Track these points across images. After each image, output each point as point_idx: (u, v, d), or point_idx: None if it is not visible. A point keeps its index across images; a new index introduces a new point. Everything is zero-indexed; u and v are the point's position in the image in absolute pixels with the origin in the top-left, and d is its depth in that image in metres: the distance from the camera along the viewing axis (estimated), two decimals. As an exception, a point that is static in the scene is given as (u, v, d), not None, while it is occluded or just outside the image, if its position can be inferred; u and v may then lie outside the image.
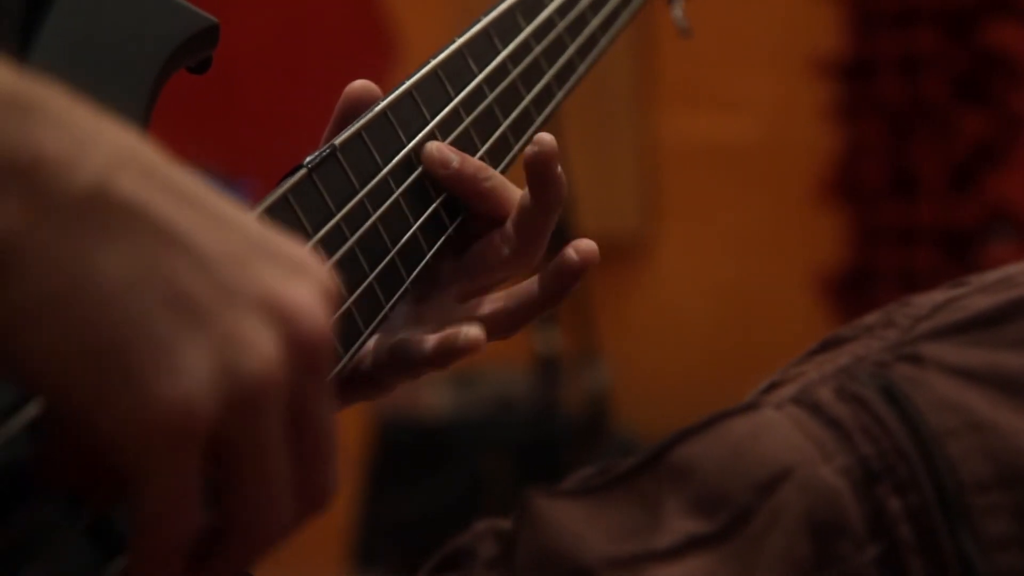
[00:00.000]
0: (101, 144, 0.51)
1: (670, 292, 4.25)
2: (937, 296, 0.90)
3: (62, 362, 0.49)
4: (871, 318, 0.93)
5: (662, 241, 4.31)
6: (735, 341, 4.16)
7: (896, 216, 3.96)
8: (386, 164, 0.84)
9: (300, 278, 0.55)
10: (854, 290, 4.02)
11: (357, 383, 0.88)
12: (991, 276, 0.91)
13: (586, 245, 0.89)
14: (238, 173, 4.10)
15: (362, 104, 0.86)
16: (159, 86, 0.77)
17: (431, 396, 3.62)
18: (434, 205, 0.87)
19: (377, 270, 0.82)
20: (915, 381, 0.84)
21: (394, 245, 0.83)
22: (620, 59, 3.80)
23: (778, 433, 0.83)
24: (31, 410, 0.55)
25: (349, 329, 0.80)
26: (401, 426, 3.50)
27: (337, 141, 0.81)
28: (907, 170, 3.94)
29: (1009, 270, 0.91)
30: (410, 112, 0.86)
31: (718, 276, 4.20)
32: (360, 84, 0.87)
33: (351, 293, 0.80)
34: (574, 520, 0.84)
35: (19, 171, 0.48)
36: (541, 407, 3.30)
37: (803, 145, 4.08)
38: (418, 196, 0.86)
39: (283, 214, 0.75)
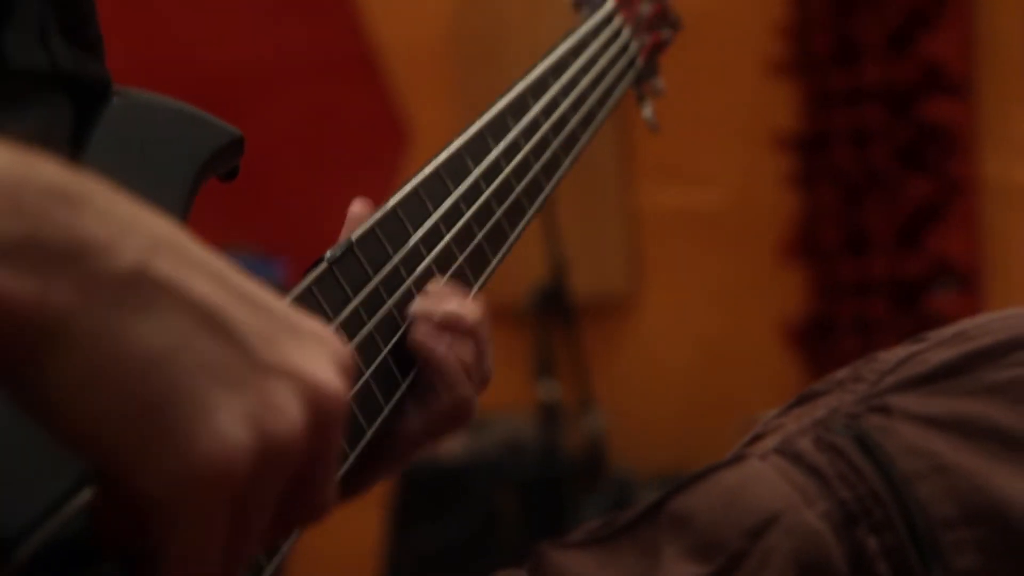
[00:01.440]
0: (141, 229, 0.51)
1: (655, 345, 4.25)
2: (900, 352, 0.90)
3: (110, 425, 0.49)
4: (841, 373, 0.93)
5: (646, 299, 4.31)
6: (714, 387, 4.15)
7: (851, 271, 3.95)
8: (396, 253, 0.83)
9: (322, 353, 0.55)
10: (817, 338, 4.02)
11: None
12: (947, 331, 0.91)
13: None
14: (274, 251, 4.13)
15: (359, 218, 0.86)
16: (192, 196, 0.77)
17: (448, 440, 3.66)
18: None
19: (390, 346, 0.81)
20: (885, 430, 0.84)
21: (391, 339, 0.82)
22: (603, 138, 3.85)
23: (764, 482, 0.83)
24: (87, 493, 0.55)
25: (370, 404, 0.79)
26: (421, 467, 3.48)
27: (353, 236, 0.80)
28: (860, 230, 3.94)
29: (963, 325, 0.91)
30: (416, 207, 0.85)
31: (697, 329, 4.20)
32: (360, 205, 0.87)
33: (368, 369, 0.79)
34: (586, 569, 0.84)
35: (68, 255, 0.48)
36: (545, 449, 3.30)
37: (767, 210, 4.08)
38: (427, 282, 0.86)
39: (308, 302, 0.75)
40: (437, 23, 4.65)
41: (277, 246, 4.18)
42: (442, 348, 0.84)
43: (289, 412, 0.52)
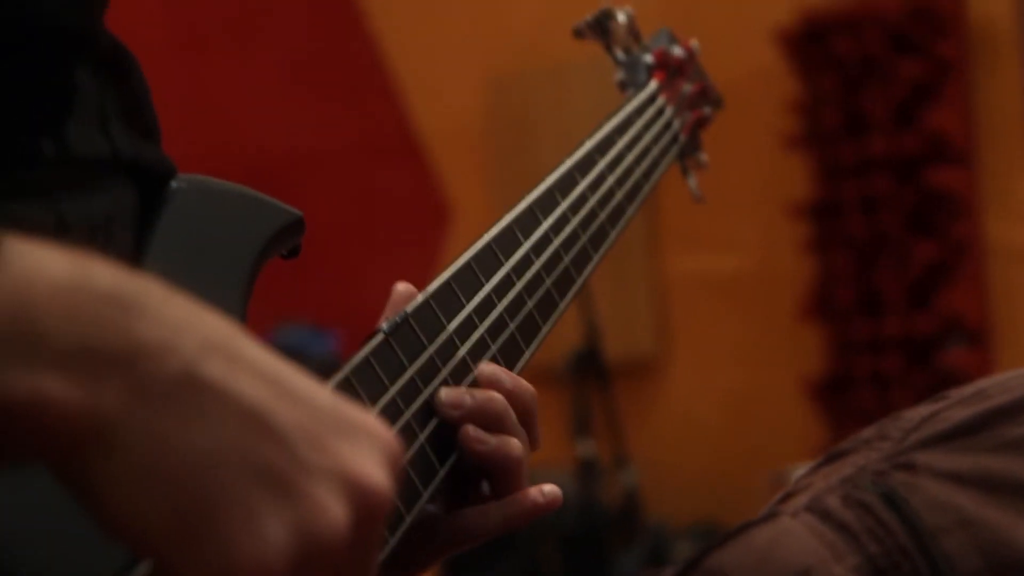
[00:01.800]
0: (191, 333, 0.50)
1: (684, 403, 4.25)
2: (922, 410, 0.89)
3: (155, 523, 0.48)
4: (867, 432, 0.91)
5: (674, 360, 4.32)
6: (741, 440, 4.14)
7: (866, 330, 3.92)
8: (449, 323, 0.81)
9: (369, 448, 0.54)
10: (835, 393, 3.99)
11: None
12: (967, 390, 0.90)
13: (551, 490, 0.84)
14: (326, 324, 4.18)
15: (405, 300, 0.83)
16: (255, 275, 0.76)
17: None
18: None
19: (422, 439, 0.79)
20: (911, 486, 0.83)
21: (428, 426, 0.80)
22: None
23: (796, 539, 0.82)
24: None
25: (425, 470, 0.78)
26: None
27: (409, 308, 0.78)
28: (873, 291, 3.92)
29: (982, 384, 0.90)
30: (469, 279, 0.84)
31: (723, 387, 4.19)
32: (404, 287, 0.85)
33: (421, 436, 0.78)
34: None
35: (121, 359, 0.47)
36: (584, 504, 3.31)
37: (785, 274, 4.07)
38: (479, 352, 0.83)
39: (365, 373, 0.73)
40: (472, 110, 4.68)
41: (329, 319, 4.20)
42: (493, 443, 0.81)
43: (333, 512, 0.51)
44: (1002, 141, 3.86)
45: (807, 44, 4.03)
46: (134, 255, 0.70)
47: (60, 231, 0.63)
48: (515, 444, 0.81)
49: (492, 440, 0.80)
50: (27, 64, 0.61)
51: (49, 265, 0.48)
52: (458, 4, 4.67)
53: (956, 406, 0.88)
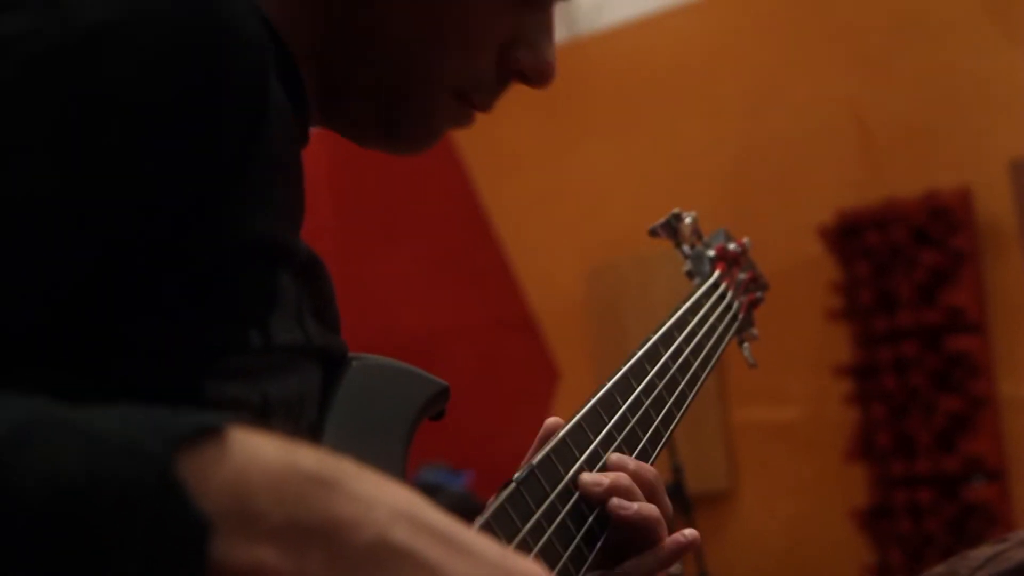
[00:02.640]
0: (380, 505, 0.48)
1: (752, 530, 4.11)
2: (987, 550, 0.86)
3: None
4: (938, 569, 0.88)
5: (743, 494, 4.18)
6: (799, 560, 3.98)
7: (902, 469, 3.84)
8: (567, 473, 0.79)
9: None
10: (878, 521, 3.86)
11: None
12: None
13: (691, 532, 0.82)
14: (460, 465, 4.17)
15: (552, 431, 0.83)
16: (412, 437, 0.74)
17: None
18: (588, 520, 0.79)
19: (569, 551, 0.76)
20: None
21: (577, 532, 0.77)
22: None
23: None
24: None
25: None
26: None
27: (534, 460, 0.77)
28: (906, 437, 3.86)
29: None
30: (579, 437, 0.82)
31: (783, 516, 4.05)
32: (553, 420, 0.83)
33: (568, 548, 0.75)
34: None
35: (323, 533, 0.46)
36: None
37: (833, 423, 4.03)
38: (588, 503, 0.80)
39: (501, 519, 0.71)
40: (575, 293, 4.65)
41: (462, 461, 4.19)
42: (635, 507, 0.79)
43: None
44: (1009, 313, 3.79)
45: (844, 237, 3.97)
46: (319, 423, 0.68)
47: (264, 408, 0.61)
48: (651, 507, 0.79)
49: (633, 505, 0.78)
50: (244, 270, 0.59)
51: (263, 451, 0.47)
52: (562, 208, 4.67)
53: (1016, 547, 0.84)
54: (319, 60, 0.71)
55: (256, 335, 0.60)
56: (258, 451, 0.46)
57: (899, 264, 3.86)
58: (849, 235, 3.96)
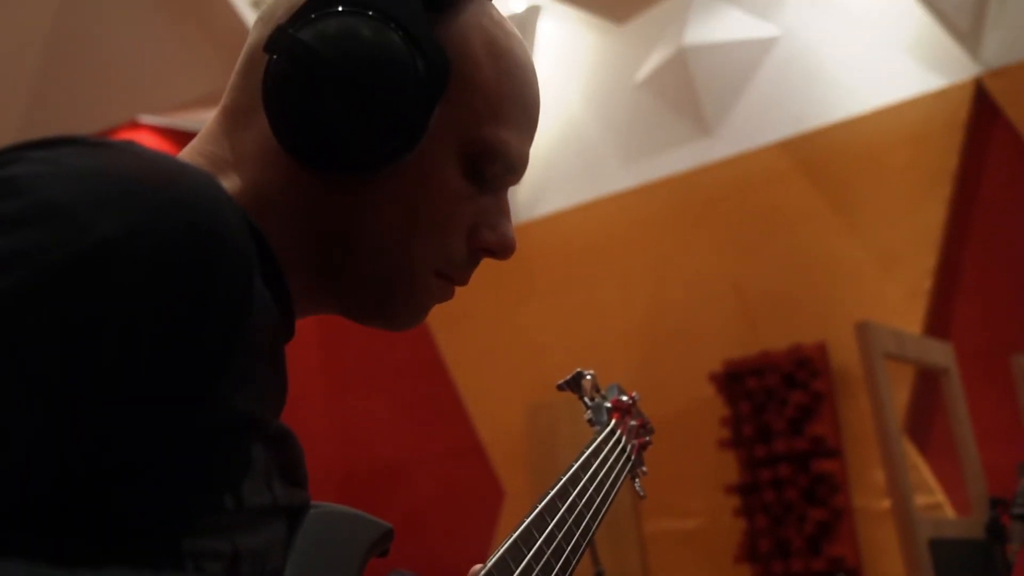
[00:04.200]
0: None
1: None
2: None
3: None
4: None
5: None
6: None
7: (781, 568, 4.01)
8: None
9: None
10: None
11: None
12: None
13: None
14: (426, 571, 4.37)
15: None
16: (363, 570, 0.72)
17: None
18: None
19: None
20: None
21: None
22: (621, 492, 4.02)
23: None
24: None
25: None
26: None
27: None
28: (783, 542, 4.04)
29: None
30: (504, 569, 0.79)
31: None
32: (476, 568, 0.79)
33: None
34: None
35: None
36: None
37: (725, 531, 4.15)
38: None
39: None
40: (517, 425, 4.78)
41: (423, 569, 4.23)
42: None
43: None
44: (859, 442, 3.95)
45: (730, 382, 4.18)
46: (281, 568, 0.67)
47: (235, 558, 0.60)
48: None
49: None
50: (222, 444, 0.59)
51: None
52: (507, 356, 4.75)
53: None
54: (311, 259, 0.71)
55: (230, 498, 0.60)
56: None
57: (773, 403, 4.08)
58: (733, 380, 4.18)
